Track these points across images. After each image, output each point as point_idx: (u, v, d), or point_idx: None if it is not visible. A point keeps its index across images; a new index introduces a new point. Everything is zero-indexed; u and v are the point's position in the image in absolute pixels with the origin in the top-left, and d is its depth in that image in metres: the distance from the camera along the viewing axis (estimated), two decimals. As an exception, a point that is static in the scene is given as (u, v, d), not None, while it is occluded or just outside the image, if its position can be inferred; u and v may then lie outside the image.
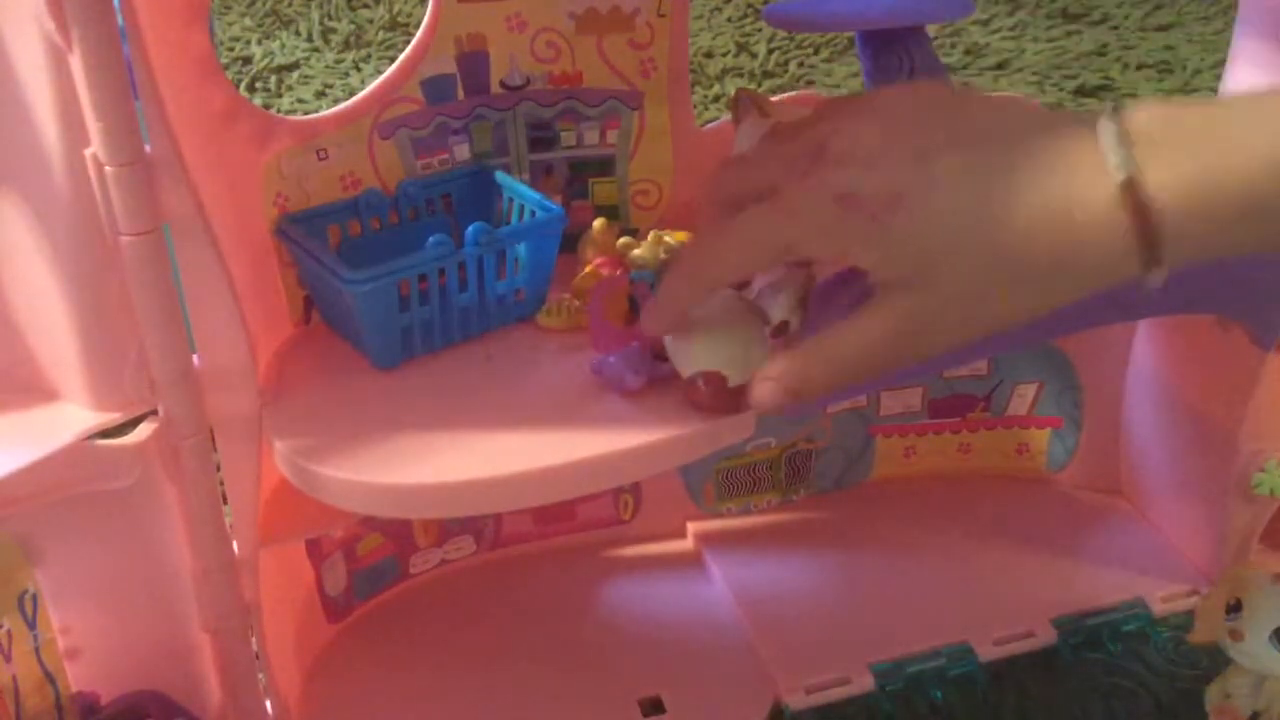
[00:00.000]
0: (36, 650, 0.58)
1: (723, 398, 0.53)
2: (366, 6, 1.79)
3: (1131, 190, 0.40)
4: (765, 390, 0.47)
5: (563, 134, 0.68)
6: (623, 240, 0.64)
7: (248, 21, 1.75)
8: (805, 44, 1.67)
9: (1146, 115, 0.42)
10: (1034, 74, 1.61)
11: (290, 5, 1.79)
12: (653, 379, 0.57)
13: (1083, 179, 0.41)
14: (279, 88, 1.58)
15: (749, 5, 1.79)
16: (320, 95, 1.56)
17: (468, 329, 0.61)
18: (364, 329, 0.58)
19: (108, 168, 0.48)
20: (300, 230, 0.59)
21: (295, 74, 1.62)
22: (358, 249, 0.61)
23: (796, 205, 0.45)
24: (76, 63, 0.46)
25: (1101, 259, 0.42)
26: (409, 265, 0.56)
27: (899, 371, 0.46)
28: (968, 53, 1.66)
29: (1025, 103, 0.45)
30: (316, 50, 1.68)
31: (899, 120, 0.45)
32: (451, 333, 0.60)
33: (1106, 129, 0.41)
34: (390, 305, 0.57)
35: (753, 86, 1.57)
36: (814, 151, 0.45)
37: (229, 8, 1.80)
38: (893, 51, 0.65)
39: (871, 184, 0.43)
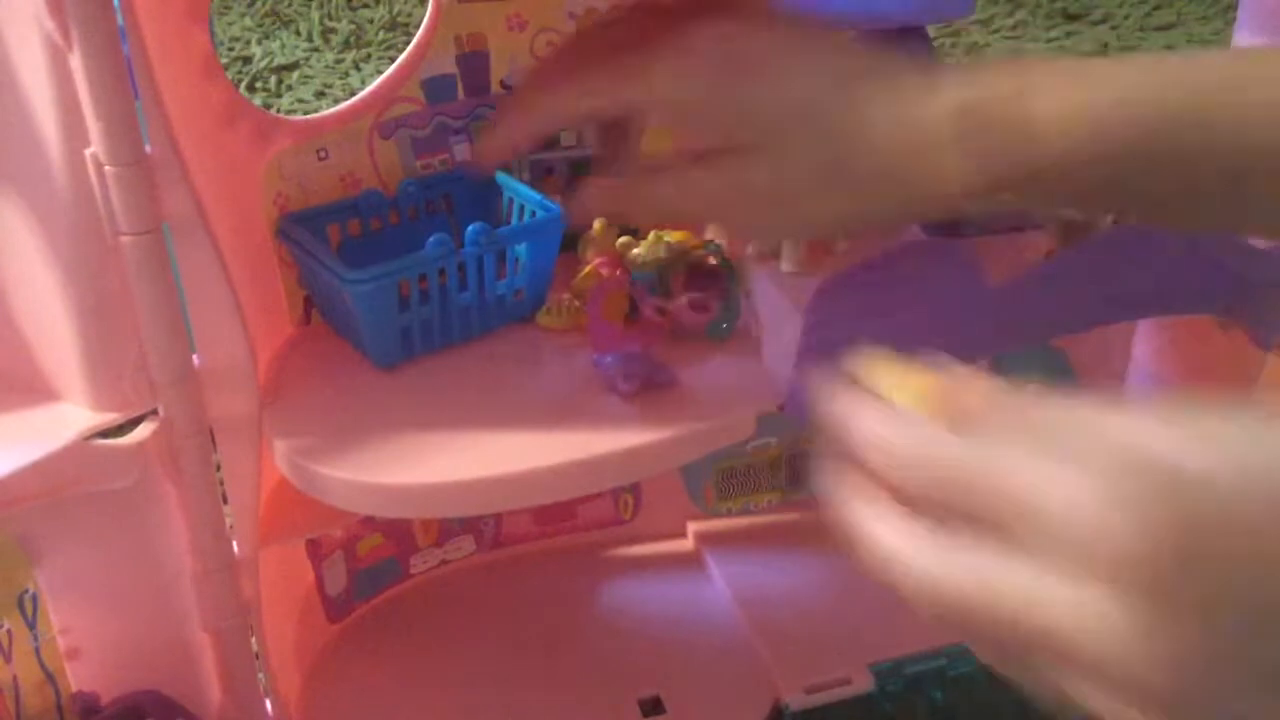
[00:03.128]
0: (37, 650, 0.58)
1: None
2: (366, 6, 1.79)
3: (968, 112, 0.43)
4: (588, 194, 0.50)
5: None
6: (623, 240, 0.64)
7: (248, 21, 1.75)
8: (805, 44, 1.67)
9: (1009, 59, 0.45)
10: (1034, 74, 1.61)
11: (290, 5, 1.79)
12: (648, 384, 0.57)
13: (926, 98, 0.43)
14: (279, 88, 1.58)
15: (749, 5, 1.79)
16: (320, 95, 1.56)
17: (468, 329, 0.61)
18: (364, 328, 0.58)
19: (108, 168, 0.48)
20: (301, 230, 0.59)
21: (295, 74, 1.62)
22: (358, 249, 0.61)
23: (675, 49, 0.46)
24: (77, 63, 0.46)
25: (940, 171, 0.44)
26: (409, 265, 0.56)
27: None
28: (968, 53, 1.66)
29: None
30: (316, 50, 1.68)
31: (784, 20, 0.47)
32: (451, 333, 0.60)
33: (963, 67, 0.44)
34: (390, 305, 0.57)
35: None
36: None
37: (229, 7, 1.80)
38: (892, 51, 0.64)
39: (744, 43, 0.45)
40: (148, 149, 0.49)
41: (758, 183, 0.46)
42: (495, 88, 0.65)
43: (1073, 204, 0.45)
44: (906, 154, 0.44)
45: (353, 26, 1.72)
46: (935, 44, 0.64)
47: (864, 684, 0.71)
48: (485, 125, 0.51)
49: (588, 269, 0.63)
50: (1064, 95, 0.42)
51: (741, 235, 0.54)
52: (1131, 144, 0.41)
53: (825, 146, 0.45)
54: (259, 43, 1.69)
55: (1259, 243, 0.63)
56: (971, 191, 0.44)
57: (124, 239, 0.50)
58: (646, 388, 0.57)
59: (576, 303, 0.62)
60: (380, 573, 0.76)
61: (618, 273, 0.62)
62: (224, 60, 1.60)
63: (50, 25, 0.45)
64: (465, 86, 0.64)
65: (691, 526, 0.83)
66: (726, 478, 0.83)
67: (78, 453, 0.53)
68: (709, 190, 0.47)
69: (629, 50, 0.46)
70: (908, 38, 0.64)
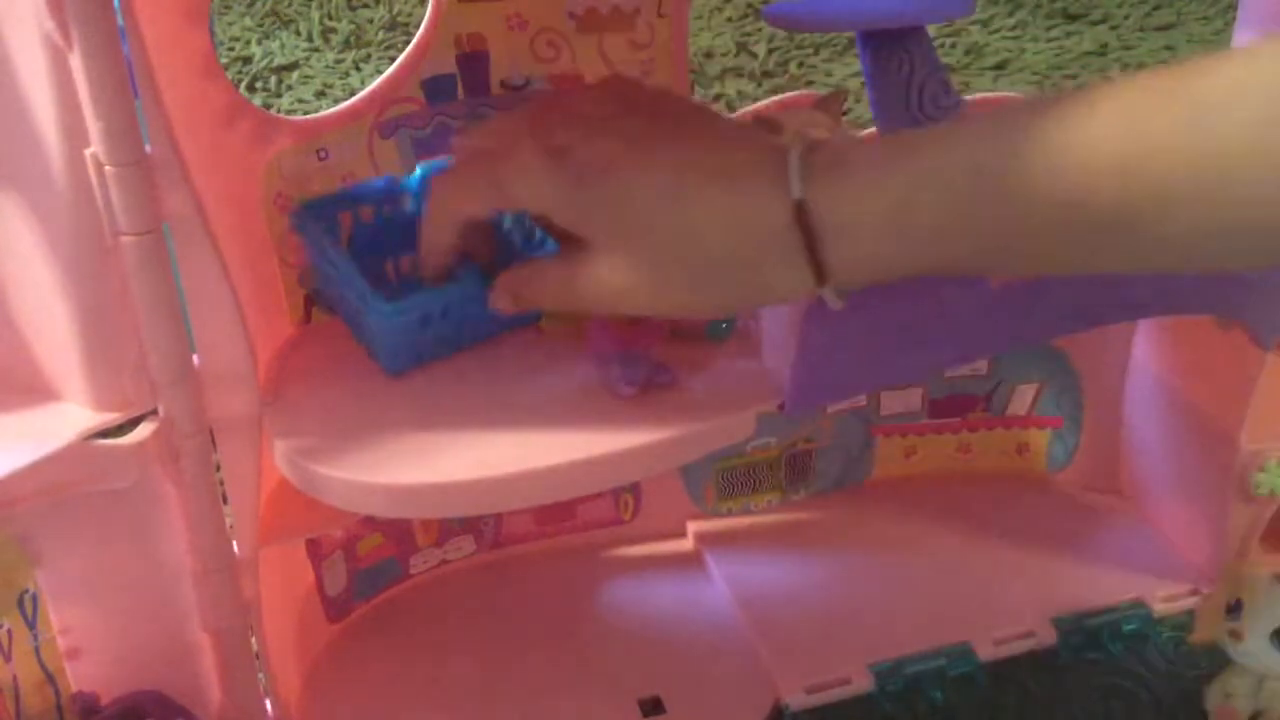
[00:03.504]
0: (36, 650, 0.58)
1: None
2: (366, 6, 1.79)
3: (802, 212, 0.44)
4: (495, 294, 0.55)
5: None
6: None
7: (248, 21, 1.75)
8: (805, 44, 1.67)
9: (831, 146, 0.46)
10: (1034, 74, 1.60)
11: (290, 5, 1.79)
12: (648, 385, 0.57)
13: (765, 197, 0.45)
14: (279, 88, 1.58)
15: (749, 5, 1.79)
16: (320, 95, 1.56)
17: (477, 335, 0.61)
18: (382, 348, 0.58)
19: (108, 167, 0.48)
20: (316, 224, 0.59)
21: (295, 74, 1.62)
22: (370, 235, 0.61)
23: (514, 151, 0.49)
24: (76, 62, 0.46)
25: (779, 273, 0.46)
26: (439, 297, 0.56)
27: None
28: (968, 53, 1.66)
29: (730, 119, 0.52)
30: (316, 50, 1.68)
31: (630, 105, 0.50)
32: (462, 339, 0.60)
33: (794, 154, 0.45)
34: (413, 327, 0.57)
35: (752, 87, 1.57)
36: (548, 115, 0.50)
37: (229, 7, 1.80)
38: (892, 52, 0.64)
39: (587, 149, 0.48)
40: (148, 149, 0.49)
41: (594, 281, 0.49)
42: (496, 88, 0.65)
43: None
44: (745, 258, 0.46)
45: (353, 26, 1.72)
46: (935, 44, 0.64)
47: (864, 684, 0.71)
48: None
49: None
50: (870, 199, 0.44)
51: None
52: (935, 237, 0.43)
53: (662, 250, 0.47)
54: (259, 43, 1.69)
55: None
56: (814, 291, 0.46)
57: (124, 239, 0.50)
58: (647, 389, 0.57)
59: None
60: (380, 573, 0.76)
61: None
62: (224, 60, 1.60)
63: (50, 25, 0.45)
64: (466, 86, 0.64)
65: (691, 526, 0.83)
66: (726, 477, 0.83)
67: (77, 453, 0.53)
68: (552, 285, 0.51)
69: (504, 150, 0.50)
70: (907, 38, 0.64)
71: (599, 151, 0.48)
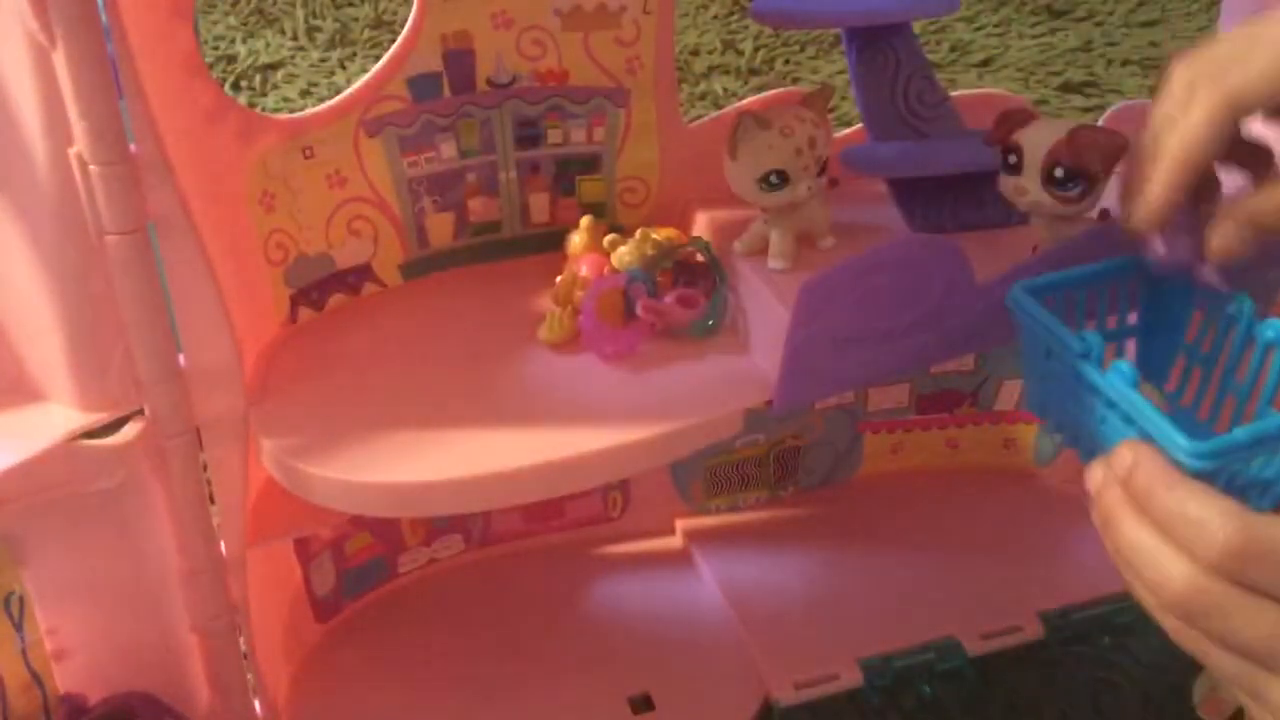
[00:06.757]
0: (23, 652, 0.58)
1: None
2: (352, 4, 1.78)
3: None
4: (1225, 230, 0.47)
5: (549, 131, 0.67)
6: (609, 237, 0.64)
7: (232, 20, 1.75)
8: (791, 41, 1.67)
9: None
10: (1019, 70, 1.61)
11: (275, 4, 1.78)
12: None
13: None
14: (264, 86, 1.58)
15: (735, 2, 1.79)
16: (305, 94, 1.56)
17: None
18: None
19: (92, 167, 0.48)
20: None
21: (280, 72, 1.61)
22: None
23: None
24: (60, 61, 0.46)
25: None
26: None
27: None
28: (953, 49, 1.67)
29: None
30: (301, 49, 1.67)
31: None
32: None
33: None
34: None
35: (739, 84, 1.57)
36: None
37: (213, 6, 1.79)
38: (878, 48, 0.65)
39: None
40: (132, 148, 0.49)
41: None
42: (481, 85, 0.65)
43: None
44: None
45: (338, 25, 1.72)
46: (920, 41, 0.64)
47: (853, 679, 0.72)
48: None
49: (564, 274, 0.63)
50: None
51: None
52: None
53: None
54: (243, 41, 1.69)
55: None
56: None
57: (109, 238, 0.50)
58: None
59: (568, 312, 0.61)
60: (368, 572, 0.76)
61: (606, 271, 0.62)
62: (208, 59, 1.59)
63: (33, 23, 0.45)
64: (451, 84, 0.64)
65: (680, 524, 0.83)
66: (714, 475, 0.83)
67: (64, 453, 0.53)
68: None
69: None
70: (893, 35, 0.64)
71: None
